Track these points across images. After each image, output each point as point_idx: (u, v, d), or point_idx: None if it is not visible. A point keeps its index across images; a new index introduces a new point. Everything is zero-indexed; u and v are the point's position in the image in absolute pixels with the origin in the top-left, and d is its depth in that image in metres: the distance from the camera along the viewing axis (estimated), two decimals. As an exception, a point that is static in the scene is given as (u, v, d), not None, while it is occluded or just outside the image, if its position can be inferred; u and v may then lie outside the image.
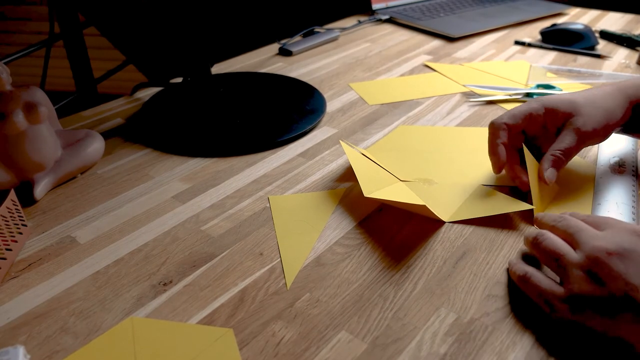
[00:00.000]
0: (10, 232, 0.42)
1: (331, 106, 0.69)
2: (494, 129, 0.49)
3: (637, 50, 0.90)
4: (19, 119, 0.47)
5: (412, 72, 0.81)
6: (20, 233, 0.43)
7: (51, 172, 0.50)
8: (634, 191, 0.48)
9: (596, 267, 0.33)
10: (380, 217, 0.46)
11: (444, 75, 0.79)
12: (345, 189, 0.50)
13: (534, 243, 0.38)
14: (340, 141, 0.53)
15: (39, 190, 0.49)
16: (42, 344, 0.34)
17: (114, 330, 0.35)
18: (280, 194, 0.50)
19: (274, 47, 0.93)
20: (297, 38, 0.96)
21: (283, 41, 0.94)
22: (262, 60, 0.88)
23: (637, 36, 0.93)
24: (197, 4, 0.63)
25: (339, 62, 0.86)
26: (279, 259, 0.41)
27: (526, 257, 0.41)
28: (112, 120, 0.66)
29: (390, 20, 1.10)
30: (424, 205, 0.43)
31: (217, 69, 0.83)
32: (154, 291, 0.38)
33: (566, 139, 0.47)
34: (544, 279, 0.36)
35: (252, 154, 0.57)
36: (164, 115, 0.66)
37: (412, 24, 1.05)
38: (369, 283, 0.39)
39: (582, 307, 0.33)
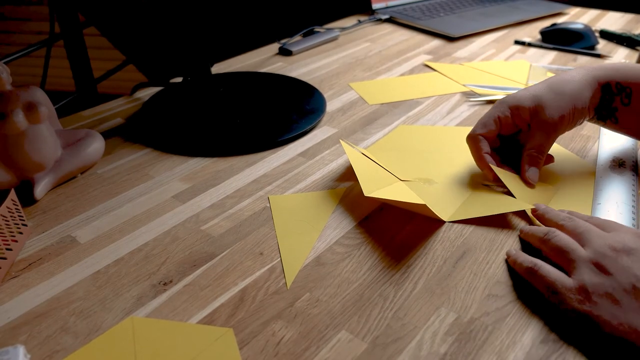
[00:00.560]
0: (11, 232, 0.42)
1: (331, 106, 0.69)
2: (473, 142, 0.50)
3: (637, 50, 0.90)
4: (19, 118, 0.47)
5: (412, 71, 0.81)
6: (21, 233, 0.43)
7: (51, 172, 0.50)
8: (634, 190, 0.48)
9: (604, 260, 0.35)
10: (381, 216, 0.46)
11: (444, 75, 0.79)
12: (345, 189, 0.50)
13: (543, 240, 0.39)
14: (341, 140, 0.53)
15: (39, 190, 0.49)
16: (43, 344, 0.34)
17: (114, 329, 0.35)
18: (280, 194, 0.50)
19: (274, 47, 0.93)
20: (297, 38, 0.96)
21: (283, 41, 0.94)
22: (262, 60, 0.88)
23: (637, 36, 0.93)
24: (197, 4, 0.63)
25: (339, 62, 0.86)
26: (279, 259, 0.41)
27: (526, 250, 0.41)
28: (112, 120, 0.66)
29: (390, 20, 1.10)
30: (424, 205, 0.43)
31: (217, 69, 0.83)
32: (154, 291, 0.38)
33: (537, 135, 0.48)
34: (553, 270, 0.37)
35: (252, 154, 0.57)
36: (164, 115, 0.66)
37: (412, 23, 1.05)
38: (369, 283, 0.39)
39: (591, 297, 0.34)
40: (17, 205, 0.44)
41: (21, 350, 0.32)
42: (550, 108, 0.47)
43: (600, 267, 0.35)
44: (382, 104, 0.70)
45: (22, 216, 0.44)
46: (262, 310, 0.36)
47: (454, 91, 0.73)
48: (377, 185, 0.47)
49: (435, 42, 0.96)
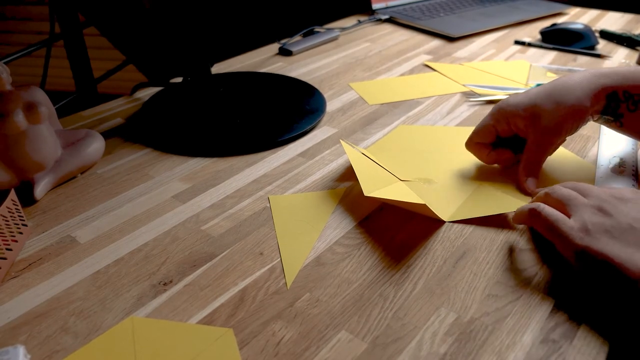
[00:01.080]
0: (11, 232, 0.42)
1: (331, 106, 0.69)
2: (474, 150, 0.52)
3: (637, 50, 0.90)
4: (19, 118, 0.47)
5: (412, 71, 0.81)
6: (21, 233, 0.43)
7: (51, 172, 0.50)
8: None
9: (604, 204, 0.38)
10: (381, 216, 0.46)
11: (444, 75, 0.79)
12: (345, 189, 0.50)
13: (534, 213, 0.40)
14: (341, 140, 0.53)
15: (39, 190, 0.49)
16: (42, 344, 0.34)
17: (114, 329, 0.35)
18: (280, 194, 0.50)
19: (274, 47, 0.93)
20: (297, 38, 0.96)
21: (283, 41, 0.94)
22: (262, 60, 0.88)
23: (637, 36, 0.93)
24: (197, 4, 0.63)
25: (339, 62, 0.86)
26: (279, 259, 0.41)
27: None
28: (112, 120, 0.66)
29: (390, 20, 1.10)
30: (424, 205, 0.43)
31: (217, 69, 0.83)
32: (154, 291, 0.38)
33: (534, 144, 0.48)
34: (555, 212, 0.39)
35: (252, 154, 0.57)
36: (164, 115, 0.66)
37: (412, 23, 1.05)
38: (369, 283, 0.39)
39: (590, 233, 0.36)
40: (17, 205, 0.44)
41: (21, 350, 0.32)
42: (548, 118, 0.47)
43: (600, 209, 0.37)
44: (382, 104, 0.70)
45: (22, 216, 0.44)
46: (262, 310, 0.36)
47: (454, 91, 0.73)
48: (377, 185, 0.47)
49: (435, 42, 0.96)
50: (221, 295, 0.38)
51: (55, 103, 0.86)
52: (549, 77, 0.77)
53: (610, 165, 0.52)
